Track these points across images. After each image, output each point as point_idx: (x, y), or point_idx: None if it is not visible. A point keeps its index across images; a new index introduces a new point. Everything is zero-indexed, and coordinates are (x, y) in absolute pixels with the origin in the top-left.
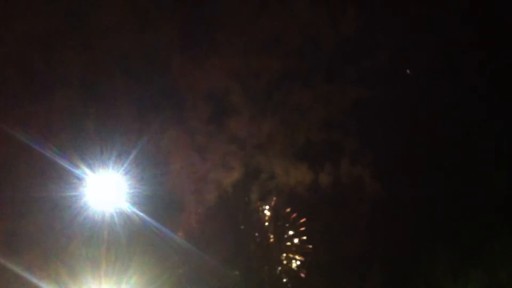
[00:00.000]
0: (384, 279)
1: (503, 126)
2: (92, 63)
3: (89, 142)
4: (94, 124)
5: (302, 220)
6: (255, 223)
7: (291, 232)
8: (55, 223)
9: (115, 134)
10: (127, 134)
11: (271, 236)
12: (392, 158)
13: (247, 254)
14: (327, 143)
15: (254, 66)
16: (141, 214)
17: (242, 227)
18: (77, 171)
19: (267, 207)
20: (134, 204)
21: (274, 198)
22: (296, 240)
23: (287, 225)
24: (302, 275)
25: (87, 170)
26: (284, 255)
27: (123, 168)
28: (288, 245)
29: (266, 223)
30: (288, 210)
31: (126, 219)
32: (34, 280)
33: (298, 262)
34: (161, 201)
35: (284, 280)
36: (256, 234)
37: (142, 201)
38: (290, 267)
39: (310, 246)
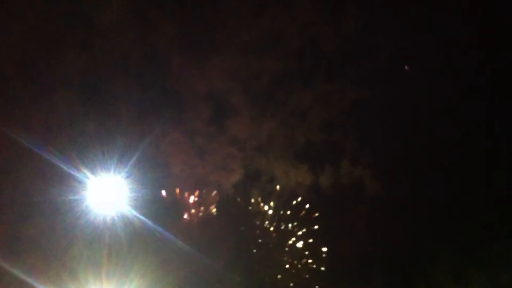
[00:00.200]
0: (384, 280)
1: (503, 126)
2: (92, 63)
3: (90, 145)
4: (95, 126)
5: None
6: (256, 225)
7: (292, 233)
8: (56, 227)
9: (116, 136)
10: (127, 137)
11: (273, 238)
12: (392, 158)
13: (249, 256)
14: (327, 143)
15: (254, 66)
16: (142, 217)
17: (243, 229)
18: (78, 175)
19: (268, 207)
20: (135, 207)
21: (275, 200)
22: (299, 244)
23: (288, 226)
24: (305, 276)
25: (88, 174)
26: (286, 257)
27: (124, 171)
28: (290, 247)
29: (267, 225)
30: (288, 212)
31: (128, 222)
32: (36, 283)
33: (299, 265)
34: (162, 204)
35: (286, 282)
36: (257, 236)
37: (143, 204)
38: (292, 269)
39: (311, 249)
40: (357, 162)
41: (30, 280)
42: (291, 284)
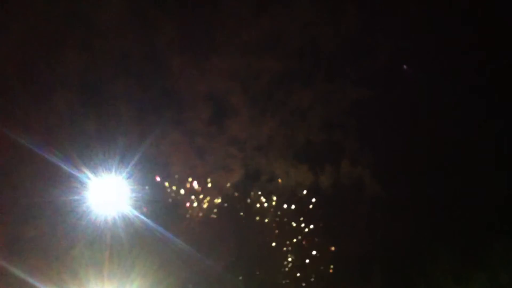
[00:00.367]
0: (384, 280)
1: (503, 126)
2: (92, 63)
3: (91, 145)
4: (95, 126)
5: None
6: (257, 225)
7: (293, 233)
8: (57, 227)
9: (117, 137)
10: (128, 137)
11: (273, 238)
12: (392, 158)
13: (250, 257)
14: (327, 143)
15: (254, 66)
16: (143, 218)
17: (244, 229)
18: (79, 175)
19: (268, 208)
20: (136, 208)
21: (276, 200)
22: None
23: (290, 226)
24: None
25: (89, 174)
26: (286, 257)
27: (125, 172)
28: (291, 247)
29: (268, 225)
30: (289, 212)
31: (128, 223)
32: (37, 284)
33: (300, 266)
34: (162, 205)
35: (286, 282)
36: (258, 236)
37: (144, 205)
38: (293, 270)
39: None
40: (357, 162)
41: (31, 280)
42: (292, 285)
